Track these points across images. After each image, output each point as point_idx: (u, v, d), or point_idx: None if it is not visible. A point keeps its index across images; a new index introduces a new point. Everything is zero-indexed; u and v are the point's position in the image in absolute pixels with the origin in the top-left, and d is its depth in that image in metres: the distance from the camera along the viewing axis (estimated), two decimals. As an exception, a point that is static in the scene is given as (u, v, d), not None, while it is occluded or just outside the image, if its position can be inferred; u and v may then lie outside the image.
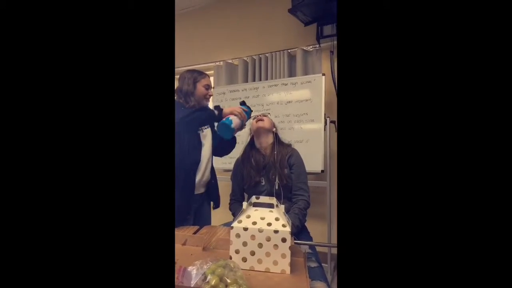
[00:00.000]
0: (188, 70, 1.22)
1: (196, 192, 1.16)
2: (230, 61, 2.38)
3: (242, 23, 2.41)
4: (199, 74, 1.20)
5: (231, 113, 1.14)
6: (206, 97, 1.21)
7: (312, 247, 1.02)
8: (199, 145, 1.17)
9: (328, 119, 1.87)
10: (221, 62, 2.39)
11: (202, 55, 2.54)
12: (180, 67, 1.41)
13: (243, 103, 1.25)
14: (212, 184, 1.26)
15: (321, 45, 2.03)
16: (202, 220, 1.22)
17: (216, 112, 1.14)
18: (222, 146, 1.28)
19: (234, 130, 1.14)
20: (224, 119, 1.13)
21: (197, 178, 1.15)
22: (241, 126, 1.17)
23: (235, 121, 1.13)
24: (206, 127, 1.23)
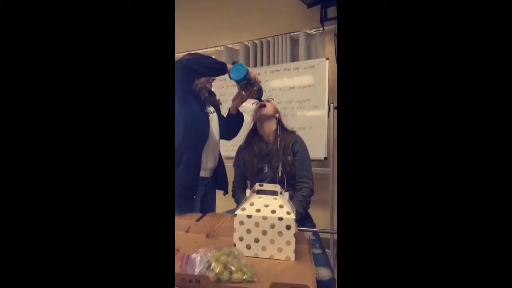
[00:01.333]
0: (191, 53, 1.19)
1: (201, 175, 1.15)
2: (231, 45, 2.32)
3: (243, 6, 2.33)
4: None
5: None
6: (209, 81, 1.19)
7: (315, 233, 1.03)
8: (207, 121, 1.15)
9: (331, 105, 1.83)
10: (222, 47, 2.33)
11: (202, 39, 2.47)
12: (180, 52, 1.38)
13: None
14: (220, 169, 1.26)
15: (325, 28, 1.97)
16: (208, 207, 1.22)
17: (223, 65, 1.09)
18: (229, 126, 1.25)
19: (248, 72, 1.08)
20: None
21: (203, 159, 1.14)
22: (253, 83, 1.12)
23: (250, 71, 1.09)
24: (212, 111, 1.21)
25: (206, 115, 1.16)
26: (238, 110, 1.25)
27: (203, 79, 1.16)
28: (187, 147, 1.07)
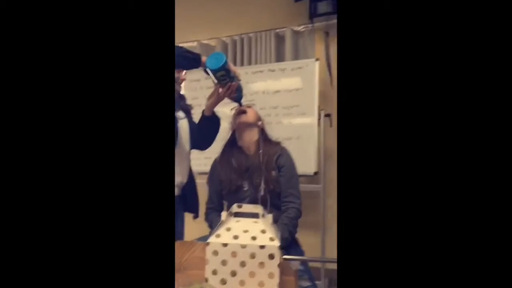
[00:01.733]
0: None
1: None
2: (205, 41, 2.33)
3: (221, -4, 2.37)
4: None
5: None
6: (178, 82, 1.18)
7: (304, 263, 1.02)
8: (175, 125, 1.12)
9: (322, 112, 1.88)
10: (195, 43, 2.34)
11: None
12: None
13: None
14: (190, 187, 1.22)
15: (315, 24, 2.04)
16: (175, 234, 1.18)
17: (197, 55, 1.09)
18: (202, 132, 1.22)
19: (227, 62, 1.08)
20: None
21: None
22: (232, 77, 1.12)
23: (230, 63, 1.09)
24: (182, 117, 1.19)
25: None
26: (213, 112, 1.21)
27: None
28: None
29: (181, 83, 1.21)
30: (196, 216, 1.27)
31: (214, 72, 1.09)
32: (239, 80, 1.16)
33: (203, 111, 1.22)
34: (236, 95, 1.17)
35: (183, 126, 1.20)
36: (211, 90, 1.19)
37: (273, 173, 1.16)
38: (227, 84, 1.12)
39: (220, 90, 1.14)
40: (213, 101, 1.18)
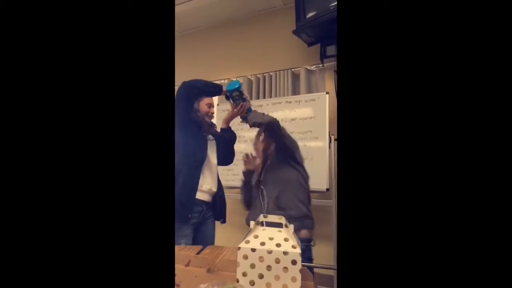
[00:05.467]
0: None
1: (199, 197, 1.13)
2: (234, 78, 2.42)
3: (247, 43, 2.48)
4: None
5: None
6: (209, 115, 1.24)
7: (311, 269, 0.98)
8: (205, 142, 1.20)
9: (332, 137, 1.86)
10: (226, 80, 2.43)
11: (207, 73, 2.59)
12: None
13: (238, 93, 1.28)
14: (219, 196, 1.25)
15: (325, 64, 2.07)
16: (207, 239, 1.18)
17: (219, 86, 1.22)
18: (221, 141, 1.30)
19: (241, 85, 1.23)
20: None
21: (200, 179, 1.14)
22: (245, 98, 1.26)
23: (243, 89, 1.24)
24: (211, 139, 1.26)
25: (205, 138, 1.21)
26: (229, 126, 1.32)
27: (203, 109, 1.21)
28: (184, 165, 1.10)
29: (211, 115, 1.28)
30: (223, 222, 1.28)
31: (230, 92, 1.23)
32: (250, 103, 1.28)
33: (221, 127, 1.32)
34: (247, 114, 1.28)
35: (212, 145, 1.26)
36: (239, 119, 1.28)
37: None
38: (240, 103, 1.24)
39: (235, 109, 1.25)
40: (228, 116, 1.29)
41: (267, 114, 1.28)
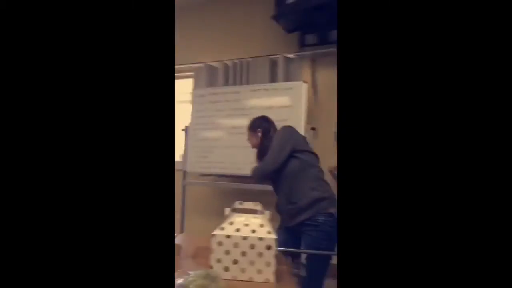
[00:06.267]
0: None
1: None
2: (210, 63, 2.33)
3: (225, 27, 2.39)
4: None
5: None
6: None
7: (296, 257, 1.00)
8: None
9: (308, 126, 1.89)
10: (202, 64, 2.34)
11: (182, 55, 2.46)
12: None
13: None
14: None
15: (303, 53, 2.07)
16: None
17: None
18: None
19: None
20: None
21: None
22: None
23: None
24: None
25: None
26: None
27: None
28: None
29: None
30: None
31: None
32: None
33: None
34: None
35: None
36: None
37: None
38: None
39: None
40: None
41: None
